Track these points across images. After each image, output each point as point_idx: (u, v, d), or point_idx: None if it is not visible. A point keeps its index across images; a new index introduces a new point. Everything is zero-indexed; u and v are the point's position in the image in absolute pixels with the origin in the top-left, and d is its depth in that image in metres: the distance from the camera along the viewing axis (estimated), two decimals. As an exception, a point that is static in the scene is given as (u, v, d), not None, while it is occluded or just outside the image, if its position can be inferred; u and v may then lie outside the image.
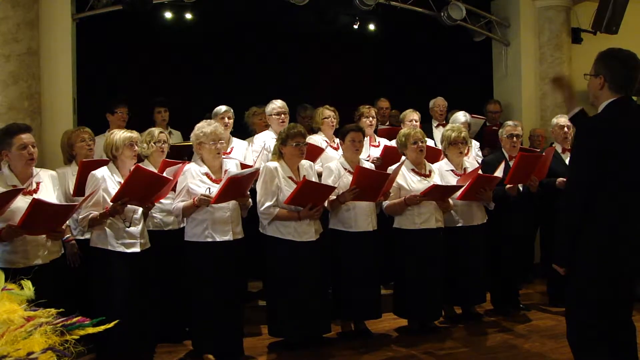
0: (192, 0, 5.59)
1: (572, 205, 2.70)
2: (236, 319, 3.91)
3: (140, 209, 3.69)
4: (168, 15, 6.20)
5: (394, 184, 4.33)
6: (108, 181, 3.62)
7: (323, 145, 4.89)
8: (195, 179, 3.79)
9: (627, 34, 6.39)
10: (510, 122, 5.04)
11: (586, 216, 2.65)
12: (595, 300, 2.66)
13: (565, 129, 5.14)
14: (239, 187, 3.74)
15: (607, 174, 2.62)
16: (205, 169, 3.85)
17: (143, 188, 3.51)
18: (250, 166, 4.19)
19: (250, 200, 3.98)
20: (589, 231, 2.65)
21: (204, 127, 3.84)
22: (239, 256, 3.89)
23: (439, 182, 4.42)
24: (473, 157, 5.21)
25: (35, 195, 3.33)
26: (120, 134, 3.71)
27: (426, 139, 4.56)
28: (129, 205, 3.56)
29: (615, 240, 2.61)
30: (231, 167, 3.95)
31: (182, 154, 4.58)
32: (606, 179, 2.62)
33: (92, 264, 3.72)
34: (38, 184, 3.45)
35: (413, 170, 4.46)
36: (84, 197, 3.52)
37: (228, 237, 3.80)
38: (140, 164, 4.05)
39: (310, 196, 3.95)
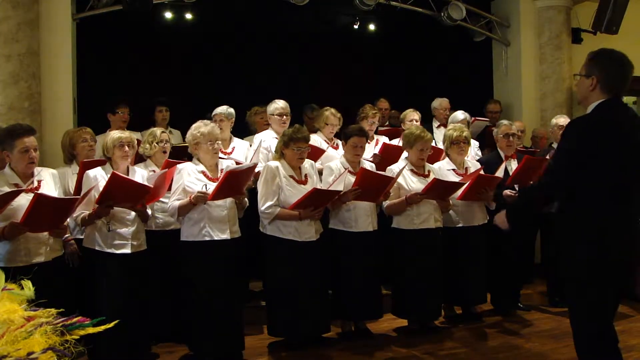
0: (192, 0, 5.59)
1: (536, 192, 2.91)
2: (236, 319, 3.89)
3: (133, 211, 3.69)
4: (168, 15, 6.20)
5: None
6: (101, 181, 3.62)
7: (323, 145, 4.89)
8: (191, 177, 3.78)
9: (627, 34, 6.39)
10: (505, 122, 5.01)
11: (579, 217, 2.63)
12: (596, 303, 2.61)
13: (565, 128, 5.13)
14: (237, 182, 3.74)
15: (597, 174, 2.58)
16: (201, 167, 3.85)
17: (123, 193, 3.51)
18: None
19: (246, 199, 3.97)
20: (581, 233, 2.62)
21: (200, 127, 3.82)
22: (236, 255, 3.88)
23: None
24: (472, 157, 5.21)
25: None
26: (111, 135, 3.74)
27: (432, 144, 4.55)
28: (119, 208, 3.57)
29: (608, 242, 2.57)
30: (227, 166, 3.94)
31: (183, 154, 4.57)
32: (597, 180, 2.59)
33: (85, 263, 3.73)
34: (39, 181, 3.46)
35: (412, 170, 4.46)
36: (81, 196, 3.52)
37: (225, 235, 3.78)
38: (137, 165, 4.07)
39: (316, 201, 3.96)
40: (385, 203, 4.41)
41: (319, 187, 4.09)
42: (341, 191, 4.10)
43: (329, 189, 4.08)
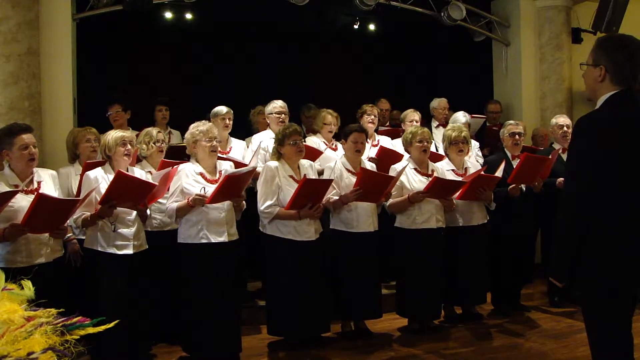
0: (192, 0, 5.60)
1: (570, 220, 2.32)
2: (233, 322, 3.85)
3: (135, 211, 3.68)
4: (168, 15, 6.21)
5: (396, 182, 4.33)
6: (101, 182, 3.61)
7: (322, 147, 4.90)
8: (189, 178, 3.76)
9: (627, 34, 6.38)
10: (511, 121, 5.08)
11: (588, 222, 2.31)
12: (610, 311, 2.32)
13: (565, 128, 5.15)
14: (236, 186, 3.73)
15: (608, 176, 2.28)
16: (199, 168, 3.82)
17: (128, 192, 3.50)
18: (247, 165, 4.18)
19: (244, 202, 3.96)
20: (591, 239, 2.31)
21: (199, 125, 3.83)
22: (234, 257, 3.86)
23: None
24: (474, 157, 5.21)
25: None
26: (112, 134, 3.72)
27: (432, 139, 4.55)
28: (120, 208, 3.56)
29: (618, 247, 2.28)
30: (226, 168, 3.93)
31: (181, 154, 4.57)
32: (608, 182, 2.28)
33: (86, 264, 3.73)
34: (39, 183, 3.45)
35: (415, 169, 4.46)
36: (82, 197, 3.52)
37: (223, 238, 3.76)
38: (136, 165, 4.06)
39: (310, 194, 3.95)
40: (388, 201, 4.41)
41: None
42: (333, 180, 4.10)
43: (320, 178, 4.07)
